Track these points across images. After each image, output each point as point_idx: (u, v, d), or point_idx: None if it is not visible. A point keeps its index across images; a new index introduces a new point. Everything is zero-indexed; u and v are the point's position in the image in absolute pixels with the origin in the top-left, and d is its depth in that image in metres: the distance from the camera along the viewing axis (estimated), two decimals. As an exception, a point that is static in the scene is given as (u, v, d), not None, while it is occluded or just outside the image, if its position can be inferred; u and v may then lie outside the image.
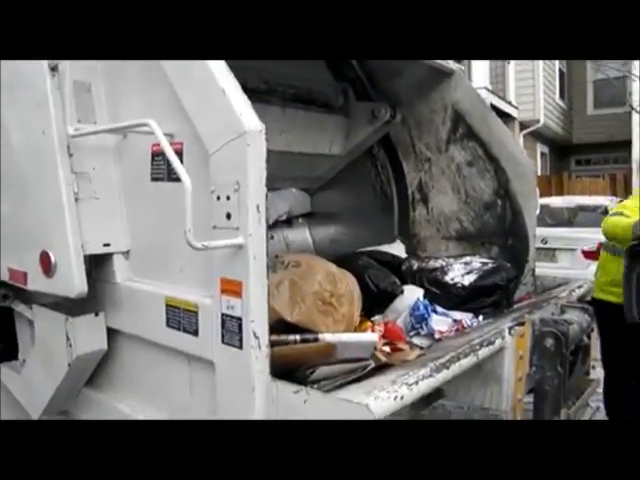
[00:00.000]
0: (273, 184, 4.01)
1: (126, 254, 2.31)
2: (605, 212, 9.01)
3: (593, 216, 9.12)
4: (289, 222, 4.41)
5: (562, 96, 17.93)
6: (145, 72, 2.12)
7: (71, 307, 2.36)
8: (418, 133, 3.96)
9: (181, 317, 1.97)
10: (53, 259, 2.22)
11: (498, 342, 2.21)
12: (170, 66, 1.96)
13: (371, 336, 2.07)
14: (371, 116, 3.92)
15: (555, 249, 8.33)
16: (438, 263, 3.15)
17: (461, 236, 3.86)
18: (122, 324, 2.32)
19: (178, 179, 1.87)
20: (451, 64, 3.84)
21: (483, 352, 2.10)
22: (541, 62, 15.52)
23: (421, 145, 3.97)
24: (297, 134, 3.78)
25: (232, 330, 1.76)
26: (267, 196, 1.74)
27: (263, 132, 1.71)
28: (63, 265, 2.19)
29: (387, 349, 2.22)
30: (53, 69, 2.19)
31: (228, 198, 1.74)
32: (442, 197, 3.90)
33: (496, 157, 3.65)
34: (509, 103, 14.50)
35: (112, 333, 2.38)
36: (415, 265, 3.19)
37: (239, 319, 1.73)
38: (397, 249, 3.90)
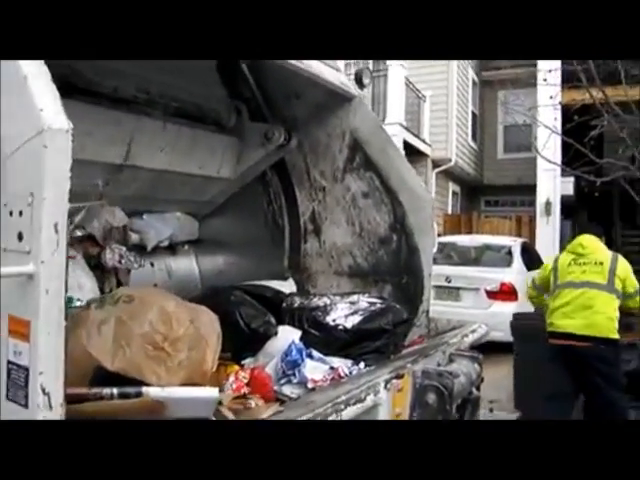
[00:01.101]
0: (154, 206, 3.78)
1: None
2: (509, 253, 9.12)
3: (498, 256, 9.23)
4: (173, 249, 4.04)
5: (474, 138, 18.43)
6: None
7: None
8: (314, 159, 3.72)
9: (-34, 361, 1.56)
10: None
11: (370, 399, 1.91)
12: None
13: (210, 391, 1.71)
14: (264, 138, 3.64)
15: (459, 288, 8.29)
16: (322, 302, 2.85)
17: (354, 272, 3.61)
18: None
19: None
20: (352, 89, 3.63)
21: (349, 412, 1.78)
22: (455, 103, 15.90)
23: (316, 172, 3.72)
24: (180, 152, 3.44)
25: (18, 383, 1.36)
26: (69, 214, 1.37)
27: (69, 132, 1.35)
28: None
29: (241, 405, 1.88)
30: None
31: (21, 214, 1.36)
32: (335, 229, 3.65)
33: (393, 189, 3.45)
34: (423, 141, 14.69)
35: None
36: (296, 303, 2.88)
37: (26, 369, 1.34)
38: (289, 286, 3.61)
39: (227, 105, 3.71)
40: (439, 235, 10.35)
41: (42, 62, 1.43)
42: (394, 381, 2.02)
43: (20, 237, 1.36)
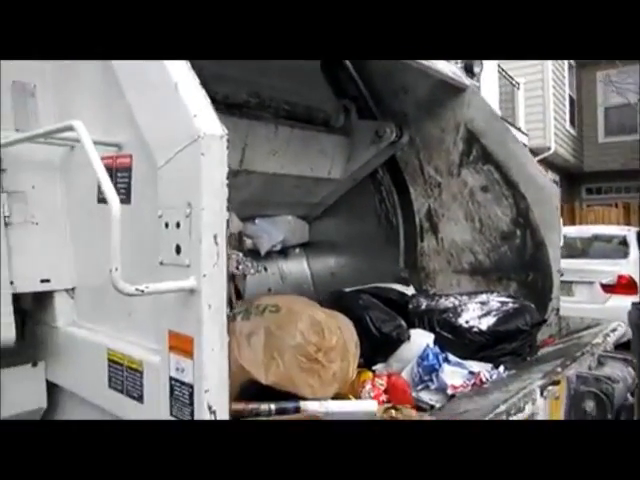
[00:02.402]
0: (265, 210, 3.77)
1: (71, 292, 1.89)
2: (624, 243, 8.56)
3: (611, 247, 8.69)
4: (284, 252, 4.02)
5: (572, 123, 17.56)
6: (94, 69, 1.72)
7: (7, 354, 1.93)
8: (427, 155, 3.59)
9: (124, 377, 1.55)
10: (-26, 298, 1.79)
11: (528, 408, 1.76)
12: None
13: (369, 404, 1.63)
14: (375, 136, 3.55)
15: (571, 282, 7.84)
16: (450, 302, 2.72)
17: (475, 270, 3.45)
18: (62, 378, 1.89)
19: (125, 200, 1.48)
20: (464, 79, 3.47)
21: (510, 423, 1.65)
22: (551, 88, 15.20)
23: (430, 168, 3.59)
24: (292, 155, 3.40)
25: (182, 400, 1.33)
26: (228, 223, 1.32)
27: (224, 138, 1.31)
28: (-14, 305, 1.77)
29: (389, 415, 1.78)
30: (-16, 65, 1.80)
31: (178, 225, 1.32)
32: (453, 226, 3.50)
33: (514, 181, 3.26)
34: (519, 129, 14.14)
35: (54, 388, 1.95)
36: (423, 304, 2.76)
37: (190, 386, 1.30)
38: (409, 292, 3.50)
39: (335, 105, 3.65)
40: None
41: (189, 68, 1.40)
42: (551, 388, 1.87)
43: (178, 250, 1.32)
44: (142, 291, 1.24)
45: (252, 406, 1.52)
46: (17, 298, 1.82)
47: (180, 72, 1.37)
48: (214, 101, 2.97)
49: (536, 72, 14.97)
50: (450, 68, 3.41)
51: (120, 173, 1.58)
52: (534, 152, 14.88)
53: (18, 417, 1.89)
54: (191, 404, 1.30)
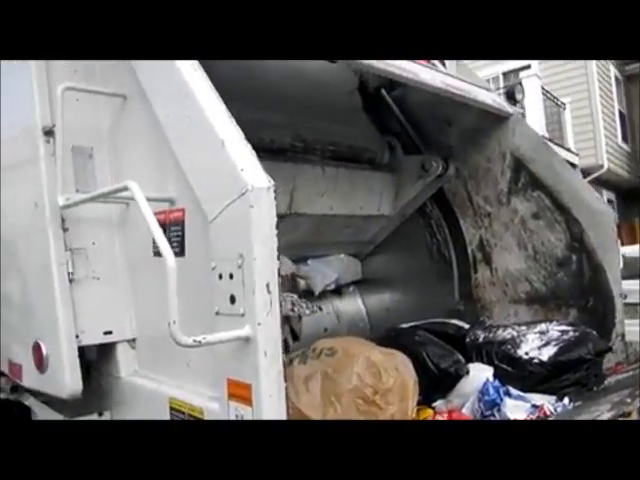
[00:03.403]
0: (317, 250, 3.81)
1: (132, 342, 1.96)
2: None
3: (677, 266, 8.32)
4: (339, 291, 4.04)
5: (625, 139, 17.12)
6: (145, 130, 1.81)
7: (75, 404, 2.01)
8: (475, 185, 3.57)
9: (186, 424, 1.58)
10: (45, 351, 1.89)
11: (597, 441, 1.71)
12: (166, 119, 1.65)
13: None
14: (421, 170, 3.57)
15: (636, 304, 7.53)
16: (508, 334, 2.68)
17: (532, 298, 3.38)
18: (128, 428, 1.94)
19: (179, 253, 1.54)
20: (507, 107, 3.47)
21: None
22: (599, 104, 14.92)
23: (479, 198, 3.57)
24: (340, 195, 3.45)
25: (243, 447, 1.35)
26: (279, 272, 1.35)
27: (271, 190, 1.35)
28: (54, 359, 1.85)
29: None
30: (47, 133, 1.92)
31: (231, 276, 1.36)
32: (507, 255, 3.45)
33: (566, 206, 3.21)
34: (568, 150, 13.89)
35: (120, 437, 2.01)
36: (481, 337, 2.72)
37: (251, 433, 1.33)
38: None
39: (379, 142, 3.70)
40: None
41: (235, 125, 1.46)
42: (621, 420, 1.81)
43: (233, 300, 1.36)
44: (199, 342, 1.29)
45: (312, 450, 1.53)
46: (81, 350, 1.89)
47: (225, 130, 1.44)
48: (260, 147, 3.10)
49: (582, 90, 14.75)
50: (491, 97, 3.42)
51: (173, 227, 1.65)
52: (586, 172, 14.56)
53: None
54: (252, 450, 1.32)
